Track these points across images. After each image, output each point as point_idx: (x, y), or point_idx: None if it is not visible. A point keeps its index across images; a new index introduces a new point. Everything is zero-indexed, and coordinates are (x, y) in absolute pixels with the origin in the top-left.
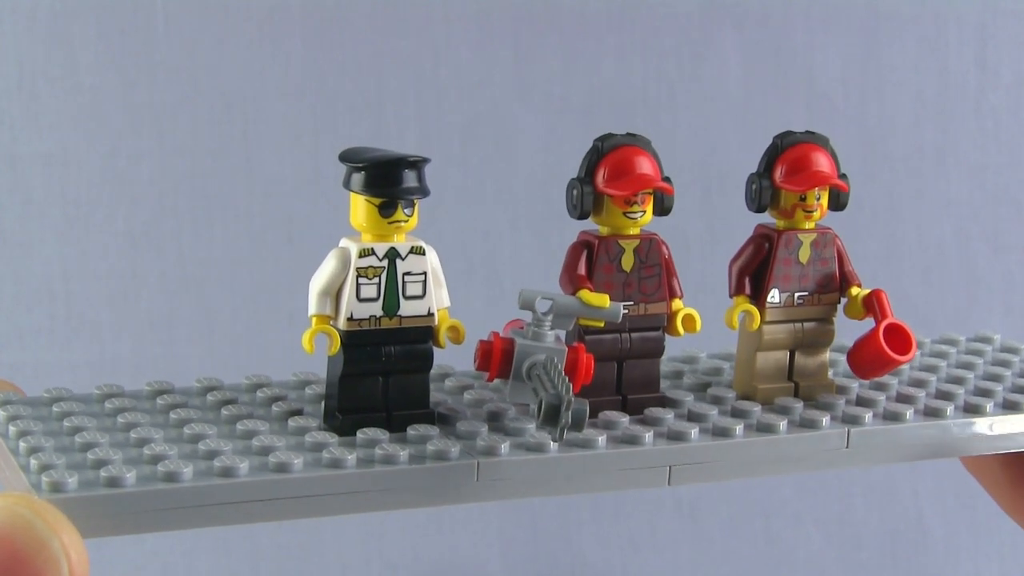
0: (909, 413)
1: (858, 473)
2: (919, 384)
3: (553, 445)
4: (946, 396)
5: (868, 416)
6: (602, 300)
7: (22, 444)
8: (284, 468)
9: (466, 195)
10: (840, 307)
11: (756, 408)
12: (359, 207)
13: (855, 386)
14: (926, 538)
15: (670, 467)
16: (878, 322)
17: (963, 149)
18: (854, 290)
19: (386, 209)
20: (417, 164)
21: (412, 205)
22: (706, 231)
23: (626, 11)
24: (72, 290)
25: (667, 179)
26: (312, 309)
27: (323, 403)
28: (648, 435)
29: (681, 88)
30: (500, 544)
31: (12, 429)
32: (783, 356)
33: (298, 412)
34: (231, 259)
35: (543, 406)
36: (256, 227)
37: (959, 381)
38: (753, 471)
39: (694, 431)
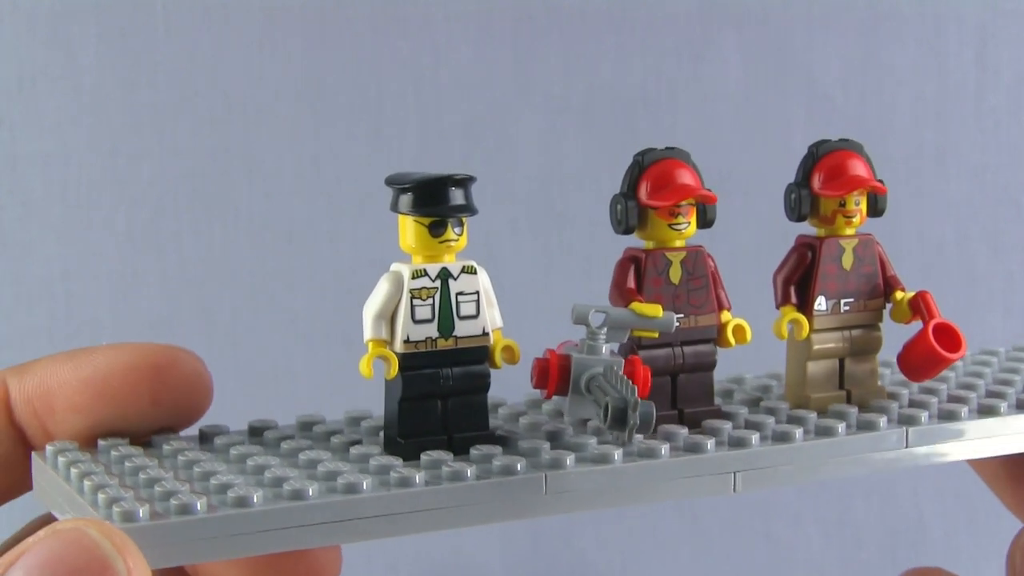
0: (964, 411)
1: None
2: (969, 387)
3: (617, 456)
4: (998, 395)
5: (924, 416)
6: (655, 310)
7: (87, 483)
8: (353, 489)
9: None
10: (886, 313)
11: (812, 415)
12: (408, 229)
13: (905, 392)
14: (926, 538)
15: (735, 473)
16: (926, 322)
17: (963, 149)
18: (898, 294)
19: (436, 228)
20: (464, 182)
21: (461, 224)
22: (706, 232)
23: (626, 11)
24: (72, 290)
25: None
26: (368, 334)
27: (382, 433)
28: (710, 443)
29: (681, 88)
30: (500, 544)
31: (74, 472)
32: (833, 365)
33: (357, 442)
34: (231, 259)
35: (609, 410)
36: (256, 227)
37: (1007, 383)
38: (816, 474)
39: (755, 437)
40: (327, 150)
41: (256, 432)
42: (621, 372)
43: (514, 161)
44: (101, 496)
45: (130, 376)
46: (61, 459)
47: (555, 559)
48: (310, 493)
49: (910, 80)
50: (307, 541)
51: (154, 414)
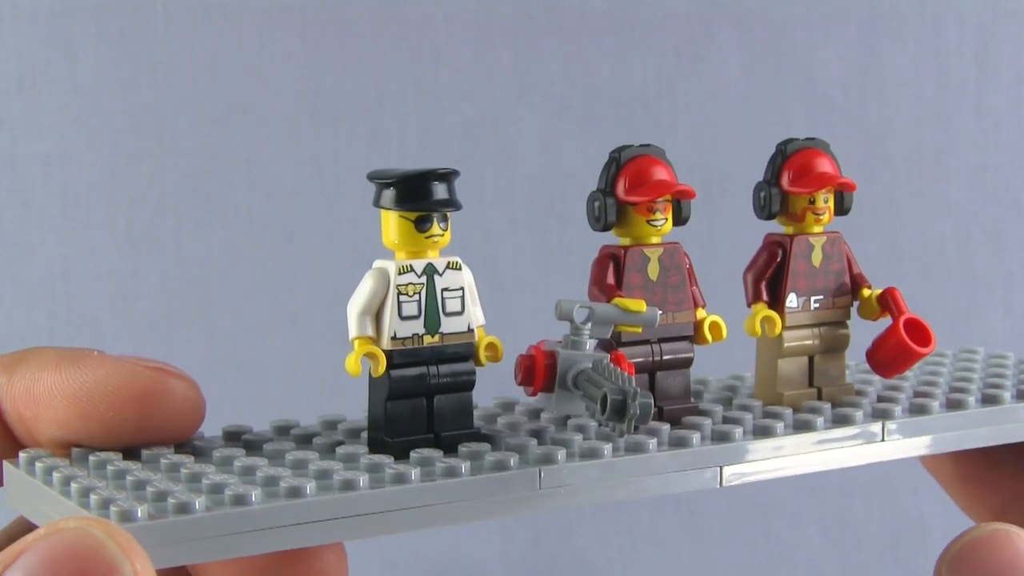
0: (935, 406)
1: (858, 473)
2: (931, 383)
3: (607, 450)
4: (961, 390)
5: (898, 410)
6: (639, 305)
7: (74, 486)
8: (350, 486)
9: (466, 195)
10: (854, 310)
11: (787, 411)
12: (392, 225)
13: (871, 389)
14: (926, 538)
15: (720, 468)
16: (896, 318)
17: (963, 149)
18: (865, 291)
19: (422, 224)
20: (447, 176)
21: (446, 219)
22: (706, 231)
23: (626, 11)
24: (72, 290)
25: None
26: (353, 331)
27: (364, 433)
28: (695, 437)
29: (681, 88)
30: (500, 544)
31: (56, 476)
32: (803, 362)
33: (340, 443)
34: (231, 259)
35: (608, 402)
36: (256, 227)
37: (966, 379)
38: (798, 467)
39: (738, 432)
40: (327, 150)
41: (233, 437)
42: (610, 365)
43: (514, 161)
44: (94, 498)
45: (116, 400)
46: (39, 465)
47: (555, 558)
48: (307, 491)
49: (910, 80)
50: (306, 539)
51: (140, 438)
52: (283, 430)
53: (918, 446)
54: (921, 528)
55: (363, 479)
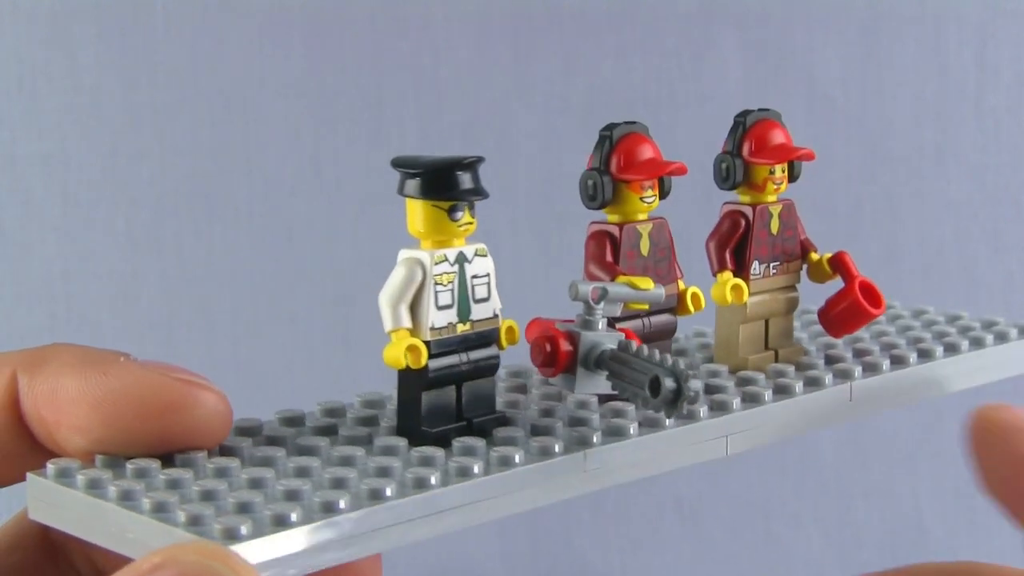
0: (885, 364)
1: (858, 473)
2: (859, 340)
3: (632, 428)
4: (895, 346)
5: (857, 371)
6: (647, 283)
7: (146, 501)
8: (423, 484)
9: None
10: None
11: (760, 375)
12: (419, 213)
13: (813, 349)
14: (926, 538)
15: (727, 437)
16: (849, 280)
17: (963, 149)
18: (814, 255)
19: (455, 213)
20: (476, 164)
21: (473, 206)
22: (706, 230)
23: (626, 11)
24: (72, 290)
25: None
26: (390, 324)
27: (388, 423)
28: (703, 410)
29: (681, 88)
30: (500, 544)
31: (113, 490)
32: (760, 326)
33: (366, 436)
34: (231, 259)
35: (661, 386)
36: (256, 227)
37: (887, 334)
38: (787, 431)
39: (735, 401)
40: (327, 150)
41: (248, 432)
42: (644, 347)
43: (514, 161)
44: (181, 514)
45: (142, 411)
46: (80, 477)
47: (555, 559)
48: (387, 493)
49: (910, 80)
50: (392, 542)
51: (164, 447)
52: (291, 421)
53: (885, 403)
54: (921, 528)
55: (434, 476)
